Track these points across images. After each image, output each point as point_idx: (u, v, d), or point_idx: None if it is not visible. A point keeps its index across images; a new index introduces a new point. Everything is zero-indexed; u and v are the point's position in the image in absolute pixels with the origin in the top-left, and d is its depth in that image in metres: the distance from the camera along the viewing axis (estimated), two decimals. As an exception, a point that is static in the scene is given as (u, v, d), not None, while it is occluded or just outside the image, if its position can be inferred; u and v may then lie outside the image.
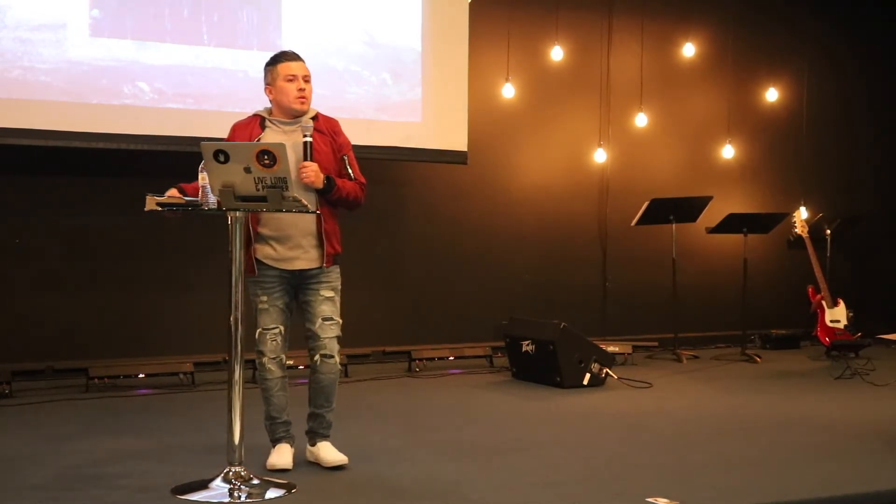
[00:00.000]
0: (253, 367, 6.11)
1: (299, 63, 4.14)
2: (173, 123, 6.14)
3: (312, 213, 3.94)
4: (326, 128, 4.20)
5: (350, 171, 4.19)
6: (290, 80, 4.10)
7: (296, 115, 4.12)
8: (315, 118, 4.18)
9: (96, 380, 5.97)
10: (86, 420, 5.14)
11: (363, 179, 4.24)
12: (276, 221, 4.05)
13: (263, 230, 4.06)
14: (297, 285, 4.14)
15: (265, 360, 4.13)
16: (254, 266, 4.06)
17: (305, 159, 4.00)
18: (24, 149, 5.97)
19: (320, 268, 4.12)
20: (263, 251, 4.08)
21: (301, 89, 4.10)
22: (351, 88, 6.62)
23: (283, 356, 4.16)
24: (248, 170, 3.64)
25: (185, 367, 6.23)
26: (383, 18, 6.82)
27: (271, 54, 4.27)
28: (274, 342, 4.11)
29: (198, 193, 3.83)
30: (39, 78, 5.88)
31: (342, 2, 6.68)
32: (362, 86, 6.73)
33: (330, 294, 4.15)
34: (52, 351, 6.23)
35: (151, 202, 3.77)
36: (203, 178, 3.76)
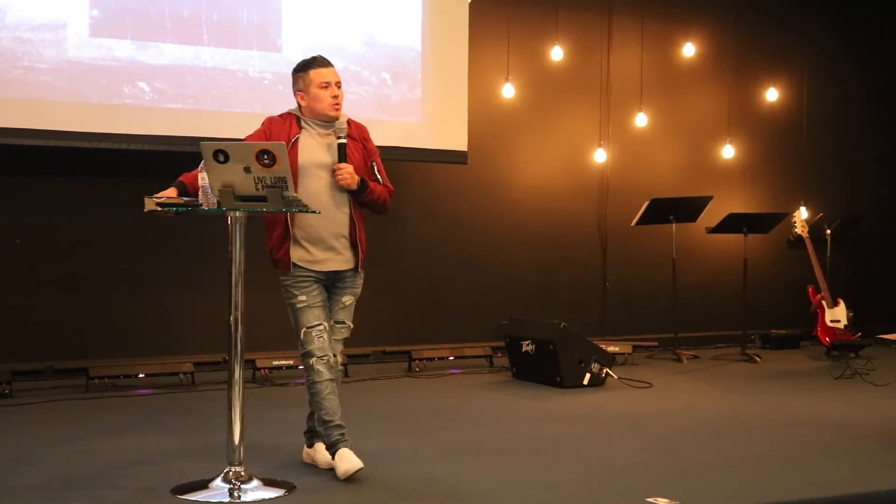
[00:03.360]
0: (253, 367, 6.18)
1: (331, 69, 4.14)
2: (173, 123, 6.14)
3: (313, 212, 3.94)
4: (357, 134, 4.21)
5: (379, 176, 4.21)
6: (324, 88, 4.10)
7: (329, 121, 4.12)
8: (347, 124, 4.18)
9: (96, 380, 5.96)
10: (86, 420, 5.14)
11: (391, 186, 4.26)
12: (309, 224, 4.05)
13: (297, 232, 4.06)
14: (328, 286, 4.14)
15: (313, 360, 4.02)
16: (290, 264, 4.05)
17: (340, 161, 4.03)
18: (24, 149, 5.97)
19: (354, 270, 4.14)
20: (298, 254, 4.06)
21: (335, 96, 4.10)
22: (351, 88, 6.61)
23: (331, 355, 4.06)
24: (247, 169, 3.64)
25: (185, 367, 6.22)
26: (383, 18, 6.82)
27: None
28: (321, 338, 4.02)
29: (197, 183, 3.84)
30: (39, 78, 5.88)
31: (342, 2, 6.68)
32: (362, 86, 6.73)
33: (350, 301, 4.18)
34: (52, 351, 6.24)
35: (150, 203, 3.77)
36: (203, 178, 3.77)
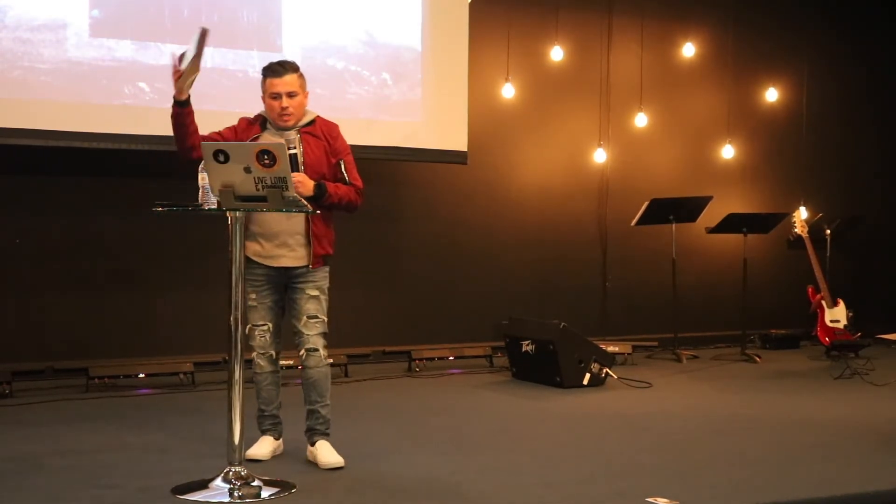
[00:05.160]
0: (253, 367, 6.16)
1: (284, 79, 4.11)
2: (173, 123, 6.14)
3: (312, 212, 3.95)
4: (323, 132, 4.22)
5: (346, 175, 4.20)
6: (274, 98, 4.13)
7: (283, 129, 4.16)
8: (313, 122, 4.21)
9: (96, 380, 5.97)
10: (86, 420, 5.14)
11: (360, 184, 4.26)
12: (264, 219, 4.11)
13: (253, 227, 4.12)
14: (286, 284, 4.19)
15: (255, 354, 4.24)
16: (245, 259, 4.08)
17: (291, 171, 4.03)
18: (24, 149, 5.97)
19: (307, 267, 4.16)
20: (252, 248, 4.14)
21: (284, 107, 4.11)
22: (351, 88, 6.62)
23: (273, 352, 4.25)
24: (248, 170, 3.64)
25: (185, 367, 6.23)
26: (383, 18, 6.82)
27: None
28: (263, 338, 4.21)
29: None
30: (40, 78, 5.88)
31: (342, 2, 6.68)
32: (362, 86, 6.73)
33: (315, 293, 4.18)
34: (52, 351, 6.24)
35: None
36: (203, 178, 3.77)
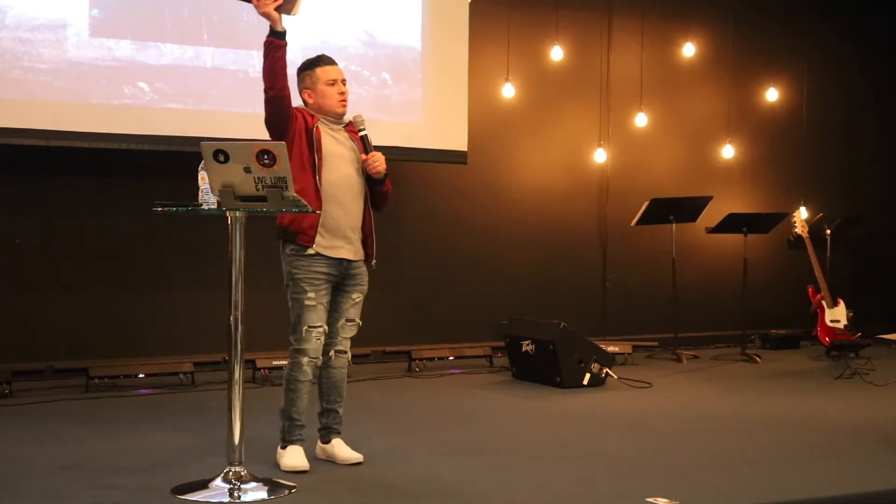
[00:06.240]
0: (253, 367, 6.18)
1: (336, 67, 4.26)
2: (173, 123, 6.14)
3: (312, 212, 3.95)
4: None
5: None
6: (331, 85, 4.21)
7: (336, 117, 4.22)
8: (349, 124, 4.30)
9: (96, 380, 5.96)
10: (86, 420, 5.14)
11: None
12: (327, 213, 4.09)
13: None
14: (337, 283, 4.18)
15: (304, 360, 4.08)
16: (314, 238, 4.06)
17: (366, 151, 4.17)
18: (24, 149, 5.97)
19: (365, 263, 4.25)
20: (315, 240, 4.12)
21: (342, 93, 4.22)
22: (351, 88, 6.56)
23: (320, 357, 4.16)
24: (247, 169, 3.64)
25: (185, 367, 6.22)
26: (383, 18, 6.82)
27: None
28: (318, 341, 4.10)
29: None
30: (40, 78, 5.88)
31: (342, 2, 6.68)
32: (362, 86, 6.73)
33: (359, 298, 4.27)
34: (52, 351, 6.24)
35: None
36: (203, 178, 3.77)
